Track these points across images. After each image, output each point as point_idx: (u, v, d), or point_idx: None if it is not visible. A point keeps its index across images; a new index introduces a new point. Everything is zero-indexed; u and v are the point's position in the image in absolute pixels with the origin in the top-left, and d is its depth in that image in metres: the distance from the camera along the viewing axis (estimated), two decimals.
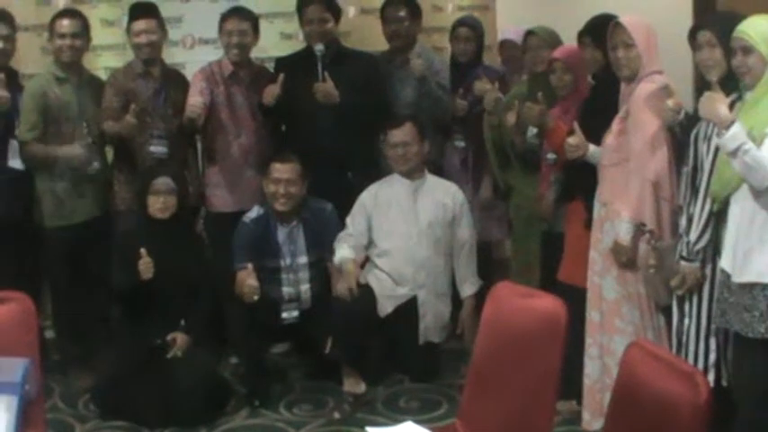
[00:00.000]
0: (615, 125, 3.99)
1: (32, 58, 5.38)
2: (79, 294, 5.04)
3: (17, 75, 5.11)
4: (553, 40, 4.86)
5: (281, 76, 4.99)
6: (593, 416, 4.11)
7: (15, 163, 4.89)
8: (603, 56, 4.18)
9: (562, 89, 4.55)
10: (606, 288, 4.04)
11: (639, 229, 3.86)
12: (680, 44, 3.95)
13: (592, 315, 4.12)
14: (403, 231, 4.90)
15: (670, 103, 3.70)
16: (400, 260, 4.88)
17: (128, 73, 5.09)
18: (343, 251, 4.86)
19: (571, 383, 4.11)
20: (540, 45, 4.87)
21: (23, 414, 3.25)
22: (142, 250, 4.58)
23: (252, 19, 5.16)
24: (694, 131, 3.63)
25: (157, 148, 5.02)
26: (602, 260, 4.05)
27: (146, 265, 4.58)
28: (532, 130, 4.62)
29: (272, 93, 4.97)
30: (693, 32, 3.69)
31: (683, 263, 3.63)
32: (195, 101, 4.98)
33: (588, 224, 4.16)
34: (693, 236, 3.58)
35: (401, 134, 4.89)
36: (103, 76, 5.36)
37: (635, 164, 3.82)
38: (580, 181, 4.25)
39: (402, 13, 5.38)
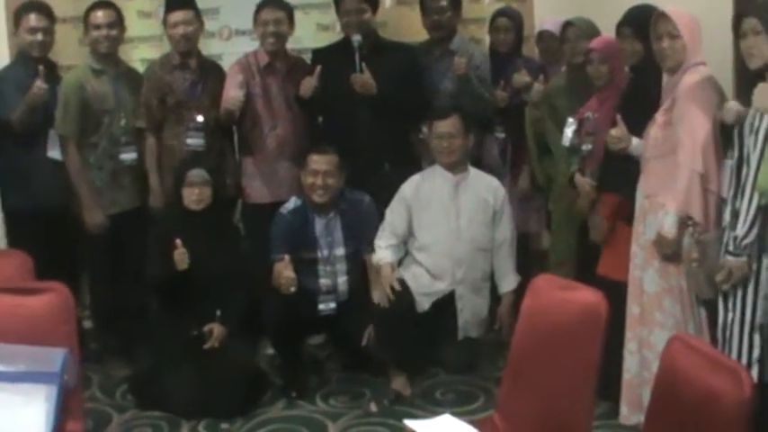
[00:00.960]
0: (659, 117, 3.93)
1: (70, 50, 5.43)
2: (117, 285, 5.08)
3: (56, 67, 5.15)
4: (591, 30, 4.81)
5: (318, 69, 4.98)
6: (632, 410, 4.07)
7: (55, 153, 4.93)
8: (643, 47, 4.13)
9: (598, 80, 4.51)
10: (647, 281, 4.00)
11: (684, 221, 3.81)
12: (720, 33, 3.90)
13: (632, 308, 4.08)
14: (443, 226, 4.86)
15: (733, 106, 3.65)
16: (439, 255, 4.85)
17: (165, 65, 5.11)
18: (382, 253, 4.85)
19: (608, 383, 4.06)
20: (578, 36, 4.83)
21: (62, 404, 3.27)
22: (177, 241, 4.59)
23: (287, 9, 5.14)
24: (738, 122, 3.58)
25: (195, 140, 5.03)
26: (644, 253, 4.01)
27: (181, 256, 4.59)
28: (568, 131, 4.58)
29: (308, 85, 4.96)
30: (737, 20, 3.63)
31: (729, 257, 3.58)
32: (235, 93, 4.98)
33: (629, 219, 4.12)
34: (741, 231, 3.52)
35: (447, 126, 4.85)
36: (140, 67, 5.40)
37: (683, 156, 3.76)
38: (617, 176, 4.21)
39: (444, 4, 5.31)
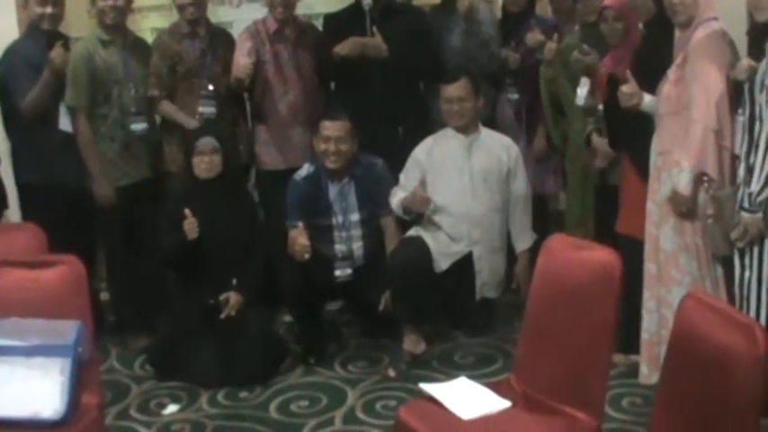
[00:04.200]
0: (672, 73, 3.89)
1: (79, 22, 5.41)
2: (133, 256, 5.08)
3: (68, 40, 5.09)
4: None
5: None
6: (651, 369, 4.04)
7: (66, 126, 4.92)
8: (655, 4, 4.08)
9: (613, 38, 4.46)
10: (663, 239, 3.97)
11: (699, 178, 3.77)
12: None
13: (649, 267, 4.06)
14: (457, 187, 4.83)
15: (745, 63, 3.61)
16: (455, 216, 4.82)
17: (174, 34, 5.08)
18: (400, 194, 4.83)
19: (630, 337, 4.08)
20: None
21: (78, 376, 3.28)
22: (186, 210, 4.58)
23: None
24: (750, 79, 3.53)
25: (206, 109, 5.02)
26: (659, 211, 3.98)
27: (190, 226, 4.58)
28: (582, 91, 4.54)
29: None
30: None
31: (744, 214, 3.55)
32: (244, 61, 4.95)
33: (643, 175, 4.08)
34: (756, 187, 3.50)
35: (455, 90, 4.81)
36: (150, 37, 5.39)
37: (696, 112, 3.72)
38: (628, 133, 4.18)
39: None
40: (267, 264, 4.80)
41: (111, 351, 5.01)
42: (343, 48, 4.92)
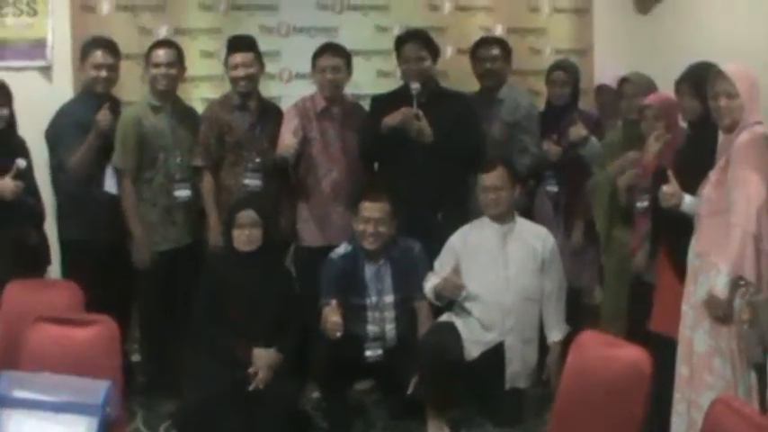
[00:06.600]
0: (714, 175, 3.90)
1: (133, 87, 5.49)
2: (167, 320, 5.10)
3: (119, 103, 5.21)
4: (647, 86, 4.82)
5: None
6: None
7: (111, 188, 5.01)
8: (700, 105, 4.10)
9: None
10: (698, 341, 3.93)
11: (736, 282, 3.76)
12: None
13: (681, 370, 4.01)
14: (491, 276, 4.83)
15: None
16: (488, 305, 4.81)
17: (224, 105, 5.17)
18: (434, 279, 4.85)
19: None
20: (634, 92, 4.84)
21: None
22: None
23: (345, 55, 5.20)
24: None
25: (252, 181, 5.08)
26: (695, 313, 3.95)
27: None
28: (643, 203, 4.56)
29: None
30: None
31: None
32: (290, 141, 5.02)
33: (679, 274, 4.07)
34: None
35: (493, 178, 4.85)
36: (200, 106, 5.47)
37: (736, 216, 3.72)
38: (668, 232, 4.18)
39: (495, 52, 5.39)
40: (299, 338, 4.78)
41: (137, 413, 4.99)
42: (394, 118, 4.95)
